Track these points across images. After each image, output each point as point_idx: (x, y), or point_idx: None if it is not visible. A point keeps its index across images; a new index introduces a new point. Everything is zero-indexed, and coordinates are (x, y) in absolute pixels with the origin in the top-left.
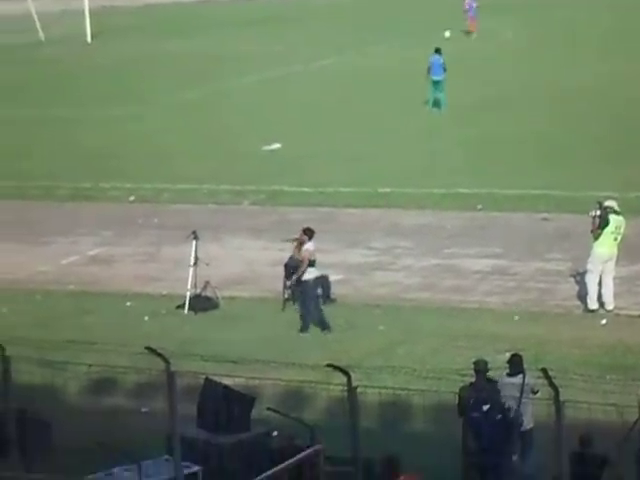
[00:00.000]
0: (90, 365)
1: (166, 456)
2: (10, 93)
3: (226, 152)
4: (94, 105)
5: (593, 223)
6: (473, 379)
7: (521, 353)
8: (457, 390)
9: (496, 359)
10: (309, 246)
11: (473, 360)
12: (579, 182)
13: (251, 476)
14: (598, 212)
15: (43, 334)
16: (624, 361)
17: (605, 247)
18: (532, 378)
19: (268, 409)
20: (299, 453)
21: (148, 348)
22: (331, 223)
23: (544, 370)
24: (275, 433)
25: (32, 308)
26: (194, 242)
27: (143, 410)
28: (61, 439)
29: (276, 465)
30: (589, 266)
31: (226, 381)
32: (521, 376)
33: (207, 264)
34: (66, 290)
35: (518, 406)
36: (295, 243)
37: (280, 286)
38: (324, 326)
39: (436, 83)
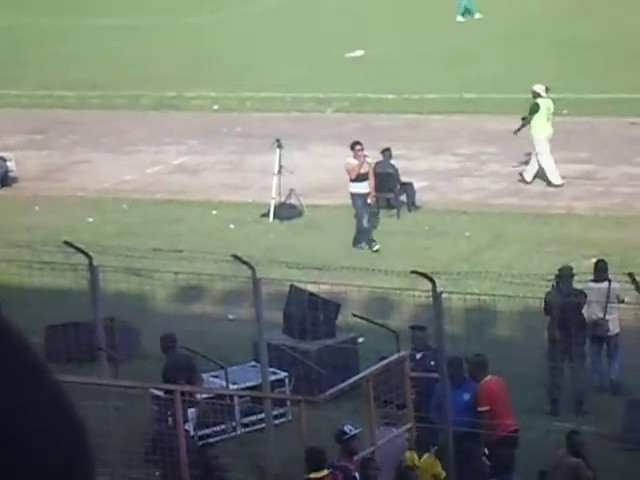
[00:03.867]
0: (177, 273)
1: (253, 362)
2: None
3: (309, 59)
4: (175, 13)
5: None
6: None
7: (608, 258)
8: (543, 296)
9: (583, 264)
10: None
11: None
12: None
13: (337, 382)
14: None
15: (130, 243)
16: None
17: (542, 129)
18: (618, 284)
19: (354, 315)
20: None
21: (234, 256)
22: (416, 130)
23: (630, 274)
24: (361, 339)
25: (119, 217)
26: (278, 150)
27: (229, 317)
28: (149, 346)
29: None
30: (538, 149)
31: (311, 288)
32: (607, 282)
33: (291, 172)
34: (152, 199)
35: (604, 312)
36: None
37: None
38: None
39: None
